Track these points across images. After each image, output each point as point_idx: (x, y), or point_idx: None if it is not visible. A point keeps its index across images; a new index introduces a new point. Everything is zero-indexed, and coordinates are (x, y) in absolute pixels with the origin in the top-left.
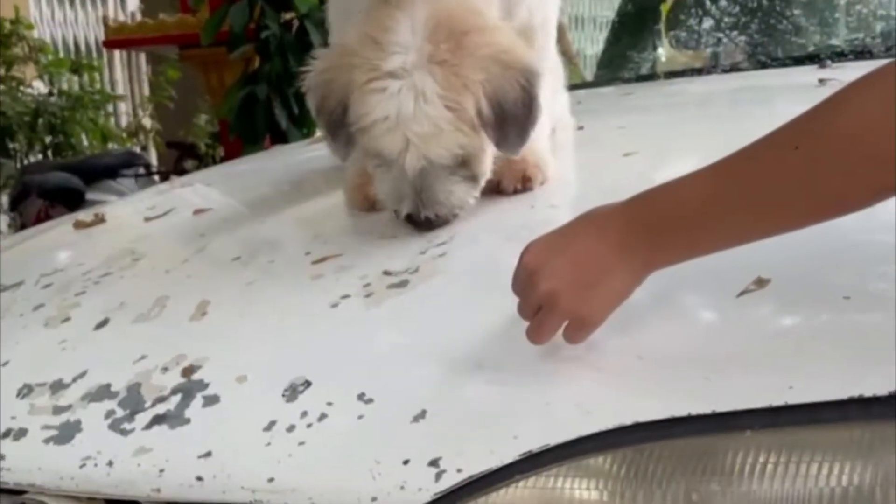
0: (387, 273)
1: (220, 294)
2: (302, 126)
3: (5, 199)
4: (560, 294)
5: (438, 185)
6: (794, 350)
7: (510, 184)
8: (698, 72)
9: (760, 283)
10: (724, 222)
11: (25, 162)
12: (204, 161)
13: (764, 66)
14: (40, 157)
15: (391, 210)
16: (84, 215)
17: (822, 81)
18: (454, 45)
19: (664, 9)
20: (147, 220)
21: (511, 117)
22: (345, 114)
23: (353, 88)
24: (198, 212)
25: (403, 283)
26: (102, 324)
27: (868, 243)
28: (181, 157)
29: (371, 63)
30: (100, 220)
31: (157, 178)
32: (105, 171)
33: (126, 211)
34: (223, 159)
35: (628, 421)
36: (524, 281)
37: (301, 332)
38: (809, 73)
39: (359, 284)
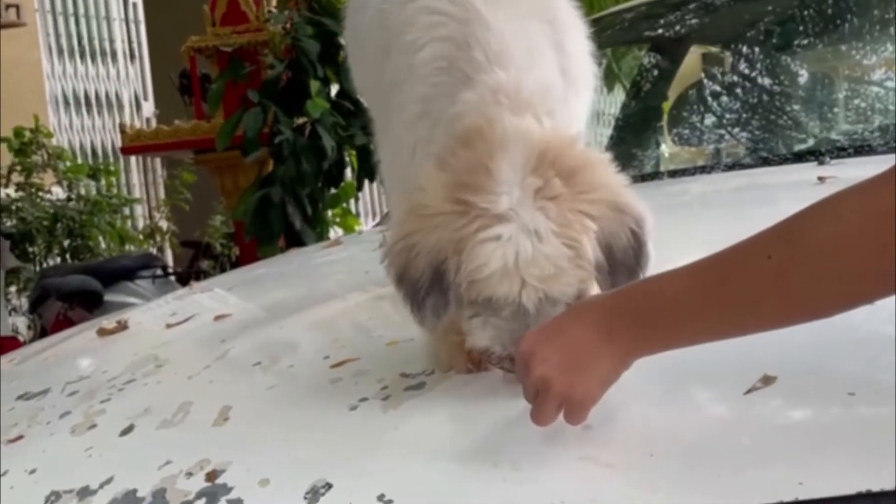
0: (404, 375)
1: (241, 399)
2: (315, 226)
3: (25, 302)
4: (551, 379)
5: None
6: (803, 446)
7: None
8: (701, 169)
9: (767, 380)
10: (699, 320)
11: (45, 265)
12: (219, 261)
13: (766, 162)
14: (59, 260)
15: (494, 357)
16: (107, 322)
17: (821, 179)
18: (563, 180)
19: (665, 107)
20: (169, 326)
21: (620, 264)
22: (436, 277)
23: (456, 244)
24: (218, 318)
25: (420, 385)
26: (128, 430)
27: (871, 337)
28: (196, 257)
29: (477, 209)
30: (122, 326)
31: (173, 278)
32: (123, 273)
33: (148, 317)
34: (238, 259)
35: None
36: (521, 368)
37: (321, 436)
38: (809, 171)
39: (377, 387)
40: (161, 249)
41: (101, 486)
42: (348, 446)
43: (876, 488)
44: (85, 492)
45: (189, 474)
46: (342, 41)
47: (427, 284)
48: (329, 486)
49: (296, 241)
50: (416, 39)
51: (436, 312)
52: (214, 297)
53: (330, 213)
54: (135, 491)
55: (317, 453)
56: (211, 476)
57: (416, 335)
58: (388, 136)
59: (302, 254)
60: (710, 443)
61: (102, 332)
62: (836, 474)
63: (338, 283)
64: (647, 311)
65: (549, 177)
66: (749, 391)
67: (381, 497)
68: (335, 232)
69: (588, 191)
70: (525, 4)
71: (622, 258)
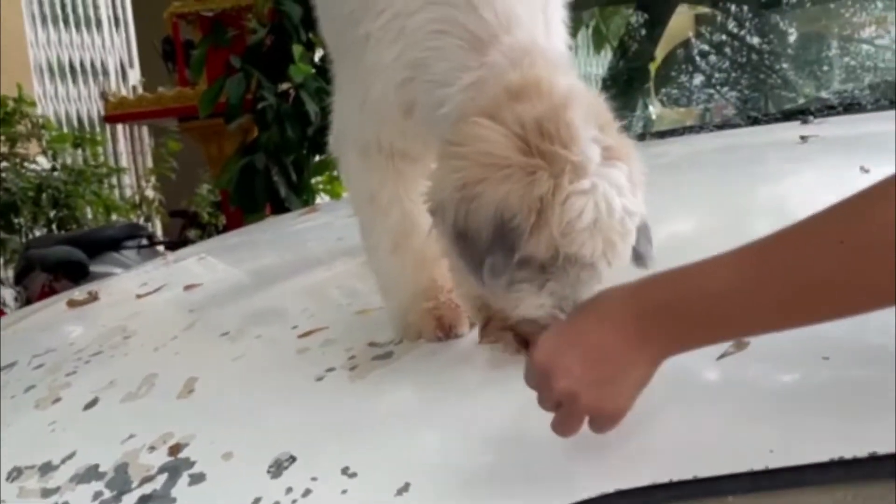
0: (372, 345)
1: (207, 370)
2: (301, 194)
3: (11, 274)
4: (578, 394)
5: (596, 290)
6: (775, 413)
7: None
8: (690, 129)
9: (740, 345)
10: (750, 312)
11: (30, 236)
12: (206, 230)
13: (756, 122)
14: (45, 231)
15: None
16: (78, 293)
17: (803, 138)
18: (616, 138)
19: (653, 67)
20: (139, 297)
21: (644, 226)
22: (499, 233)
23: (538, 197)
24: (188, 287)
25: (388, 355)
26: (92, 403)
27: None
28: (185, 226)
29: (564, 160)
30: (93, 297)
31: (161, 248)
32: (108, 244)
33: (119, 287)
34: (225, 228)
35: (611, 489)
36: (539, 380)
37: (286, 407)
38: (792, 130)
39: (344, 357)
40: (149, 219)
41: (63, 461)
42: (313, 418)
43: (849, 455)
44: (47, 467)
45: (152, 448)
46: None
47: (489, 241)
48: (293, 459)
49: (281, 209)
50: (407, 3)
51: (495, 272)
52: (187, 266)
53: (317, 180)
54: (96, 466)
55: (281, 426)
56: (174, 450)
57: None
58: (354, 93)
59: (278, 222)
60: (681, 411)
61: (73, 304)
62: (807, 442)
63: (310, 251)
64: (688, 307)
65: (610, 136)
66: (722, 356)
67: (345, 470)
68: (322, 199)
69: (633, 155)
70: None
71: (643, 228)
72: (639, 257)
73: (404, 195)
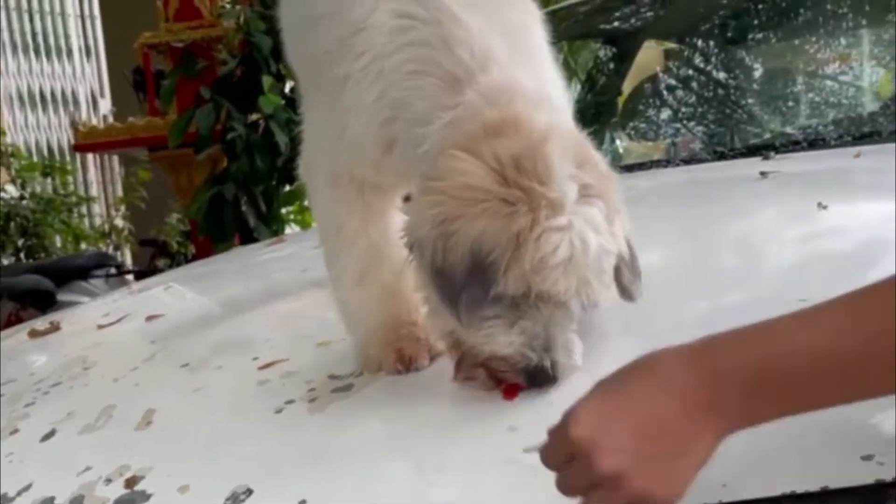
0: (332, 377)
1: (166, 402)
2: (270, 224)
3: None
4: (629, 474)
5: (571, 331)
6: (726, 447)
7: None
8: (656, 163)
9: None
10: (846, 378)
11: None
12: (176, 259)
13: (721, 156)
14: (13, 259)
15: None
16: (40, 324)
17: (763, 174)
18: (595, 175)
19: (621, 100)
20: (100, 327)
21: (631, 259)
22: (476, 267)
23: (515, 232)
24: (150, 318)
25: (348, 387)
26: (49, 435)
27: None
28: (155, 255)
29: (541, 196)
30: (55, 328)
31: (131, 277)
32: (76, 273)
33: (81, 317)
34: (194, 257)
35: None
36: (573, 457)
37: (244, 440)
38: (752, 166)
39: (304, 389)
40: (118, 248)
41: (19, 493)
42: (271, 451)
43: (800, 490)
44: (3, 500)
45: (108, 480)
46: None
47: (465, 276)
48: (249, 491)
49: (250, 238)
50: (385, 44)
51: (472, 307)
52: (150, 297)
53: (288, 210)
54: (52, 498)
55: (239, 458)
56: (130, 482)
57: (348, 335)
58: (328, 127)
59: (244, 252)
60: None
61: (34, 334)
62: (759, 476)
63: (274, 282)
64: (767, 370)
65: (589, 173)
66: None
67: (301, 503)
68: (292, 229)
69: (610, 185)
70: (496, 3)
71: (631, 251)
72: (623, 290)
73: (371, 227)
